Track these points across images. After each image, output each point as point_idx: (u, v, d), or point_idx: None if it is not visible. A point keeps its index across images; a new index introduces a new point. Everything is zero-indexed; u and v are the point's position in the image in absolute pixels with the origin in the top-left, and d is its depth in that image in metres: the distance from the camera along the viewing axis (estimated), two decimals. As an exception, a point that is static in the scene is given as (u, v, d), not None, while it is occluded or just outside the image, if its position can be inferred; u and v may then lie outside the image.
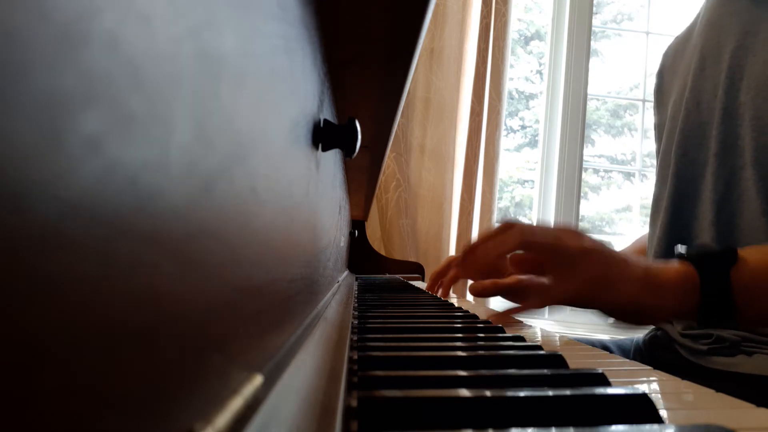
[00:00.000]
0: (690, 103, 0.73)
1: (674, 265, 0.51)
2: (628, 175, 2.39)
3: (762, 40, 0.64)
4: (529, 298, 0.56)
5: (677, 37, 0.87)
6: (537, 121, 2.11)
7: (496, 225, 0.58)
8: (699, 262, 0.50)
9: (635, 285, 0.50)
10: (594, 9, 2.00)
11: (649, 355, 0.79)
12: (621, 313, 0.51)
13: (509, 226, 0.54)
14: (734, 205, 0.65)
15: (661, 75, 0.88)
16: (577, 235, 0.53)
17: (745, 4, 0.68)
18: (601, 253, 0.51)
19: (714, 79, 0.70)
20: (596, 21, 2.21)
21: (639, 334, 0.85)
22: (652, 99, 0.90)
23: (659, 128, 0.85)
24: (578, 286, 0.51)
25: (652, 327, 0.81)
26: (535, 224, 0.56)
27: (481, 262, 0.56)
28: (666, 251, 0.74)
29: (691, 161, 0.72)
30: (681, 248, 0.53)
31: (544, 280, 0.54)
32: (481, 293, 0.66)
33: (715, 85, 0.70)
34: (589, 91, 1.98)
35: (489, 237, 0.55)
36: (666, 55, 0.89)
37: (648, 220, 0.82)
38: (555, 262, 0.52)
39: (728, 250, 0.50)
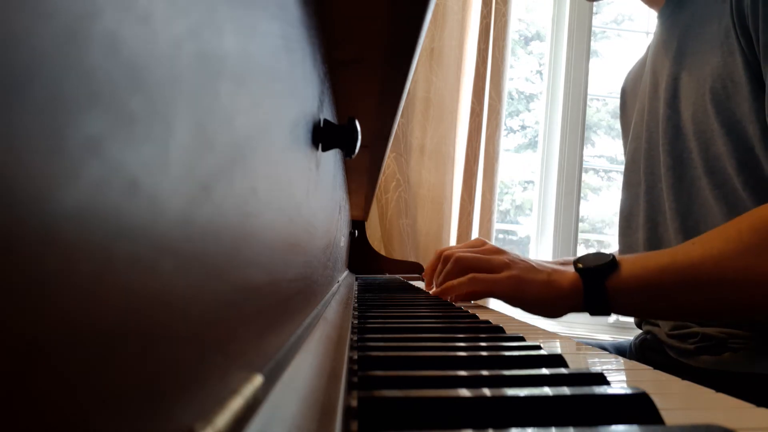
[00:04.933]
0: (650, 125, 0.79)
1: (570, 272, 0.64)
2: (628, 176, 2.39)
3: (690, 61, 0.70)
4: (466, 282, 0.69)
5: (637, 61, 0.93)
6: (537, 122, 2.11)
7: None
8: (583, 273, 0.63)
9: (539, 286, 0.64)
10: (594, 9, 2.00)
11: (640, 357, 0.81)
12: (531, 306, 0.65)
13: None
14: (697, 213, 0.70)
15: (624, 96, 0.94)
16: (499, 250, 0.71)
17: (680, 24, 0.74)
18: (515, 262, 0.68)
19: (662, 100, 0.75)
20: (596, 21, 2.21)
21: (632, 336, 0.87)
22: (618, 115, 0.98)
23: (626, 144, 0.90)
24: (499, 283, 0.67)
25: (642, 330, 0.83)
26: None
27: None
28: None
29: (658, 178, 0.77)
30: (578, 257, 0.65)
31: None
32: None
33: (663, 105, 0.75)
34: (590, 91, 1.98)
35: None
36: (627, 79, 0.95)
37: None
38: (482, 267, 0.69)
39: (609, 263, 0.62)
